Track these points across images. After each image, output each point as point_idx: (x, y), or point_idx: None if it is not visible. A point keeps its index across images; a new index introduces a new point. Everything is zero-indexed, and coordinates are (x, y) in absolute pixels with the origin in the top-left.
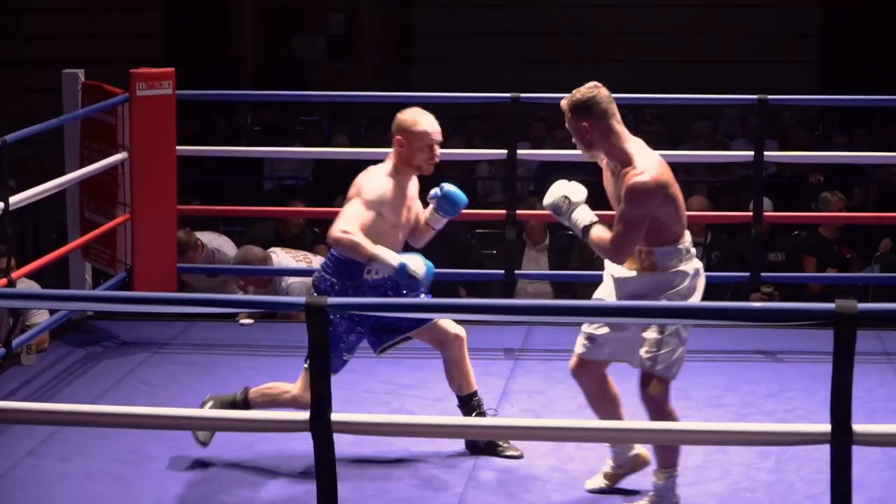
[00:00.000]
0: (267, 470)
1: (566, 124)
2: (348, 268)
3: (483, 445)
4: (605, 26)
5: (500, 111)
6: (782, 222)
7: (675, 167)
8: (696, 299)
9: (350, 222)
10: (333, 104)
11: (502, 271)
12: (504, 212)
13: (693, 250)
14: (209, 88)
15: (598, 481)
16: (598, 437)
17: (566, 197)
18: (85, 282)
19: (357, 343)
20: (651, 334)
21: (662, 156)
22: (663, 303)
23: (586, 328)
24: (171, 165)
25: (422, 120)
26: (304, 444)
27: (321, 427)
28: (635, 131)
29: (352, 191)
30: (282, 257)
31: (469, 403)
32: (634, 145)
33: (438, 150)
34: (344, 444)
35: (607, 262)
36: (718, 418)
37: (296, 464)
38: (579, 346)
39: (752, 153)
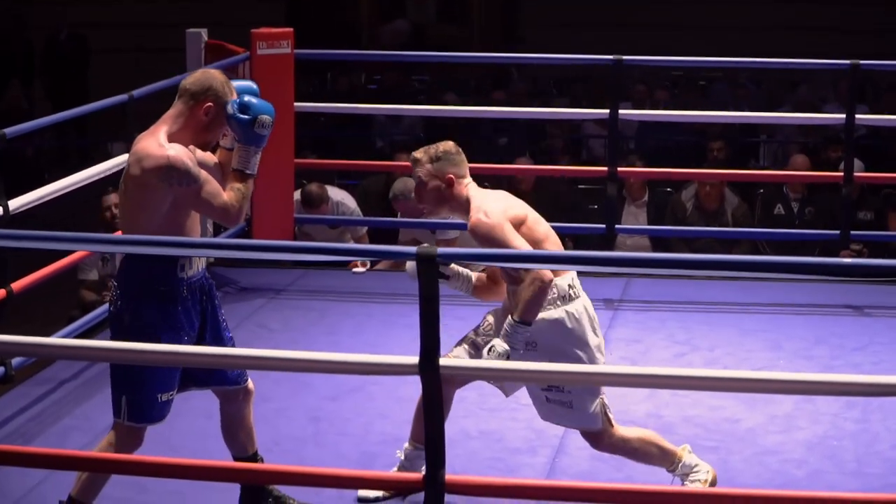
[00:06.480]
0: (377, 412)
1: (418, 180)
2: (156, 269)
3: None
4: None
5: (604, 73)
6: (872, 182)
7: (772, 128)
8: (586, 341)
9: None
10: (444, 65)
11: (603, 225)
12: (606, 169)
13: (573, 291)
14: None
15: None
16: (692, 385)
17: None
18: (206, 230)
19: (171, 380)
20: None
21: (757, 118)
22: (760, 257)
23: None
24: (288, 121)
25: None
26: (412, 387)
27: (430, 371)
28: (731, 96)
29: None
30: None
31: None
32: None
33: None
34: None
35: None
36: (807, 369)
37: (404, 406)
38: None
39: (843, 116)
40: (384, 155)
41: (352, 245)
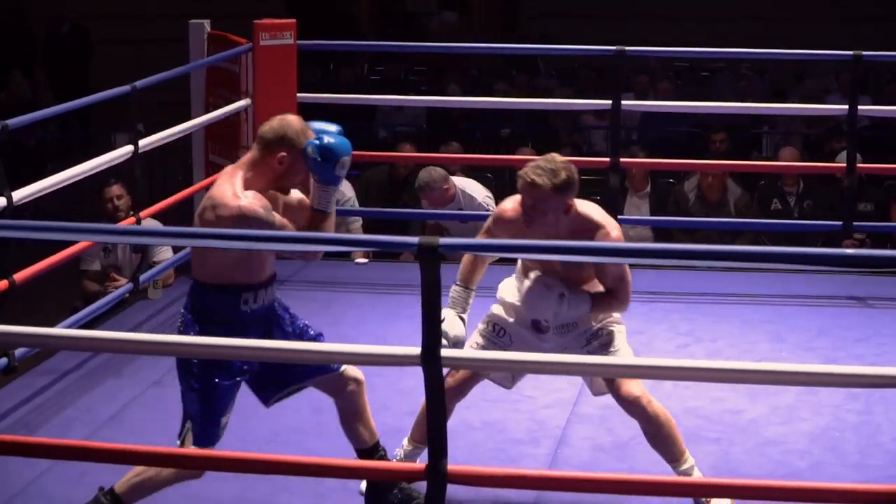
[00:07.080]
0: (378, 403)
1: (535, 204)
2: (218, 300)
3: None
4: None
5: (606, 64)
6: (873, 174)
7: (774, 119)
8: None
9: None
10: (446, 55)
11: None
12: (608, 159)
13: None
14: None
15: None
16: (695, 376)
17: (561, 294)
18: None
19: (232, 401)
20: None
21: (759, 109)
22: (764, 248)
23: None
24: (291, 112)
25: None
26: (414, 379)
27: (431, 361)
28: (734, 87)
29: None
30: (463, 182)
31: (374, 456)
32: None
33: None
34: None
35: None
36: (810, 361)
37: (406, 398)
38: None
39: (846, 107)
40: (387, 145)
41: (352, 236)
